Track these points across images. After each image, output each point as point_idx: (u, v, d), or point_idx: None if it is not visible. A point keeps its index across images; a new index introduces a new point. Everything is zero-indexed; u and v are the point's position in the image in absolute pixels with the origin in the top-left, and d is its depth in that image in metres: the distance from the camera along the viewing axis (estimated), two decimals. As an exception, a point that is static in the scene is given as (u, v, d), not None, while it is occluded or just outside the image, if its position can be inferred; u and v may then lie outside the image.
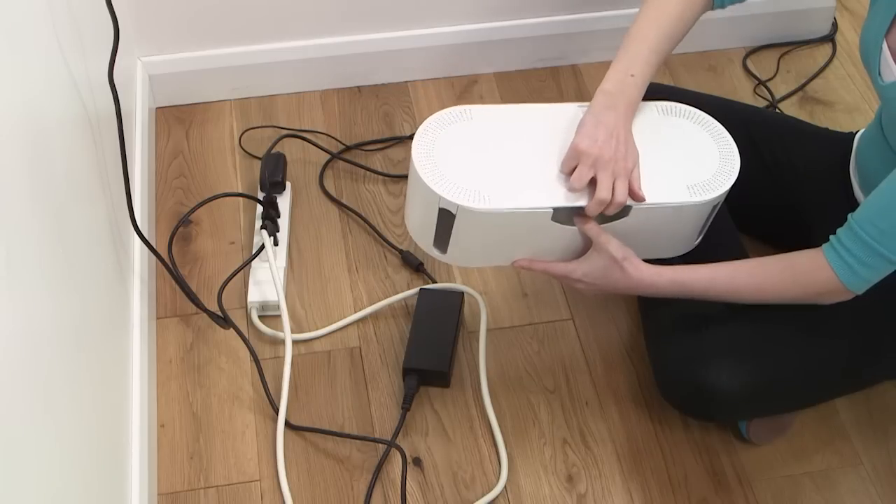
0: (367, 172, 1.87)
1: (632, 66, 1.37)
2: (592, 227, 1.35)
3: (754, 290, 1.35)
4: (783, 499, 1.48)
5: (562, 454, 1.52)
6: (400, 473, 1.48)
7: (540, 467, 1.50)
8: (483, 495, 1.46)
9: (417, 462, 1.50)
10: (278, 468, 1.47)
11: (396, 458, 1.49)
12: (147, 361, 1.53)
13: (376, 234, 1.77)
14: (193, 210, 1.71)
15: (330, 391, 1.57)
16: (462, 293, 1.64)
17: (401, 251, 1.73)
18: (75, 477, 1.11)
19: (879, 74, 1.36)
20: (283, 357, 1.57)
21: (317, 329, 1.64)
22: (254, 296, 1.64)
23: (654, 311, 1.54)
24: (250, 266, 1.68)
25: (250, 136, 1.91)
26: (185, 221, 1.73)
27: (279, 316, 1.62)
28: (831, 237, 1.29)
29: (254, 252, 1.68)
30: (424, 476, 1.49)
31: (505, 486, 1.47)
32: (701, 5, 1.42)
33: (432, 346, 1.57)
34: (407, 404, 1.53)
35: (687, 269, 1.37)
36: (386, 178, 1.86)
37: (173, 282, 1.62)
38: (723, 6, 1.45)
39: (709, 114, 1.66)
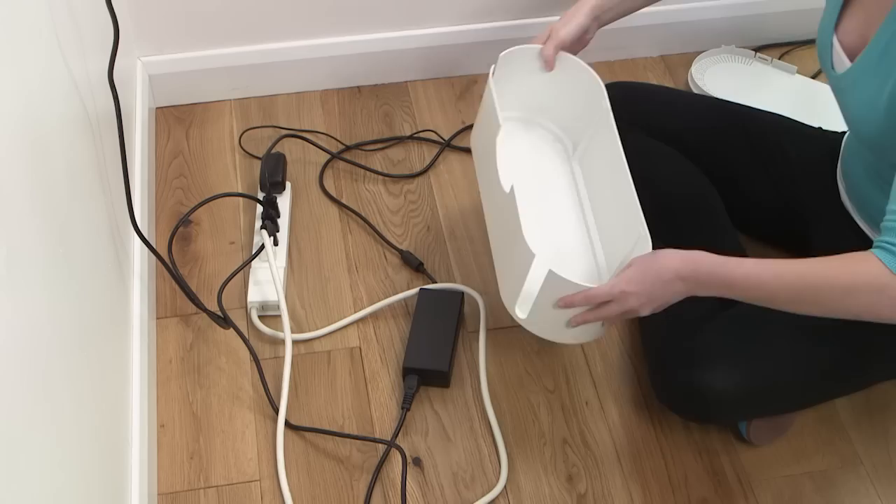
0: (367, 172, 1.87)
1: None
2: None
3: (800, 279, 1.25)
4: (783, 499, 1.48)
5: (562, 454, 1.52)
6: (400, 473, 1.48)
7: (540, 467, 1.50)
8: (483, 495, 1.46)
9: (417, 462, 1.50)
10: (278, 468, 1.47)
11: (396, 458, 1.49)
12: (147, 361, 1.53)
13: (376, 234, 1.77)
14: (193, 210, 1.71)
15: (330, 391, 1.57)
16: (462, 293, 1.64)
17: (401, 251, 1.73)
18: (75, 477, 1.11)
19: (833, 67, 1.38)
20: (283, 357, 1.57)
21: (317, 329, 1.64)
22: (254, 296, 1.64)
23: (649, 316, 1.54)
24: (250, 266, 1.68)
25: (250, 136, 1.92)
26: (184, 221, 1.73)
27: (279, 316, 1.63)
28: (875, 240, 1.23)
29: (254, 252, 1.68)
30: (424, 476, 1.49)
31: (505, 486, 1.47)
32: None
33: (432, 346, 1.57)
34: (407, 404, 1.53)
35: (732, 260, 1.30)
36: (386, 178, 1.86)
37: (173, 282, 1.62)
38: None
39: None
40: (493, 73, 1.53)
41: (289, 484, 1.47)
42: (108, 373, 1.35)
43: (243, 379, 1.58)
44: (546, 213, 1.56)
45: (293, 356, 1.58)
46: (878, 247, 1.20)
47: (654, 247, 1.61)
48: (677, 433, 1.54)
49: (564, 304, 1.36)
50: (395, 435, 1.51)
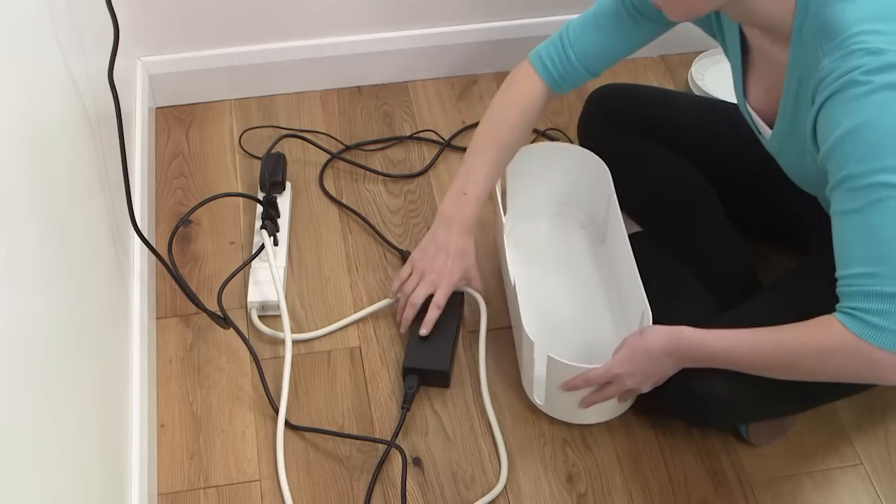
0: (367, 172, 1.87)
1: (465, 186, 1.54)
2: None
3: (774, 348, 1.28)
4: (783, 499, 1.48)
5: (562, 454, 1.51)
6: (400, 473, 1.48)
7: (540, 467, 1.50)
8: (483, 495, 1.46)
9: (417, 462, 1.50)
10: (278, 468, 1.47)
11: (396, 458, 1.49)
12: (147, 361, 1.53)
13: (376, 234, 1.77)
14: (193, 210, 1.71)
15: (330, 391, 1.57)
16: (462, 293, 1.64)
17: (400, 251, 1.73)
18: (75, 477, 1.11)
19: (759, 133, 1.41)
20: (283, 357, 1.57)
21: (317, 329, 1.64)
22: (254, 296, 1.64)
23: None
24: (250, 266, 1.68)
25: (250, 136, 1.92)
26: (184, 221, 1.73)
27: (279, 316, 1.62)
28: (837, 305, 1.22)
29: (253, 252, 1.68)
30: (424, 476, 1.49)
31: (505, 486, 1.47)
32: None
33: (432, 345, 1.57)
34: (407, 404, 1.53)
35: (711, 334, 1.35)
36: (386, 178, 1.86)
37: (173, 282, 1.62)
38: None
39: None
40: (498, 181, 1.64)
41: (289, 484, 1.46)
42: (108, 373, 1.35)
43: (243, 379, 1.58)
44: (572, 299, 1.65)
45: (293, 356, 1.58)
46: (839, 311, 1.22)
47: (655, 250, 1.63)
48: (677, 433, 1.54)
49: (567, 387, 1.43)
50: (395, 435, 1.51)
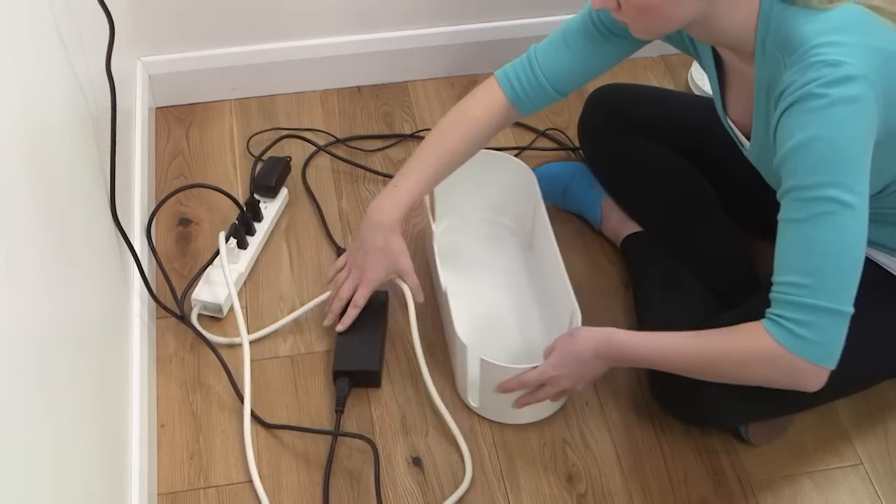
0: (368, 172, 1.87)
1: (398, 180, 1.51)
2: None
3: (699, 353, 1.31)
4: (783, 499, 1.48)
5: (562, 454, 1.51)
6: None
7: (540, 467, 1.50)
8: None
9: (417, 462, 1.50)
10: (249, 468, 1.47)
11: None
12: (147, 361, 1.53)
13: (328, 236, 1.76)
14: (171, 195, 1.64)
15: (330, 391, 1.57)
16: (386, 292, 1.62)
17: (338, 247, 1.74)
18: (75, 477, 1.11)
19: (741, 144, 1.42)
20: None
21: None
22: (198, 294, 1.63)
23: (644, 325, 1.55)
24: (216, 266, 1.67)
25: (258, 139, 1.91)
26: (163, 203, 1.67)
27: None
28: (767, 311, 1.25)
29: (212, 256, 1.67)
30: (424, 476, 1.49)
31: (472, 481, 1.47)
32: (497, 117, 1.50)
33: (360, 346, 1.57)
34: (340, 407, 1.52)
35: (638, 334, 1.37)
36: (386, 178, 1.86)
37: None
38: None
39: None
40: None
41: (262, 483, 1.46)
42: (108, 373, 1.35)
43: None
44: (502, 303, 1.67)
45: (294, 355, 1.58)
46: (767, 318, 1.24)
47: (655, 250, 1.62)
48: (677, 433, 1.54)
49: (502, 389, 1.45)
50: (336, 426, 1.50)
